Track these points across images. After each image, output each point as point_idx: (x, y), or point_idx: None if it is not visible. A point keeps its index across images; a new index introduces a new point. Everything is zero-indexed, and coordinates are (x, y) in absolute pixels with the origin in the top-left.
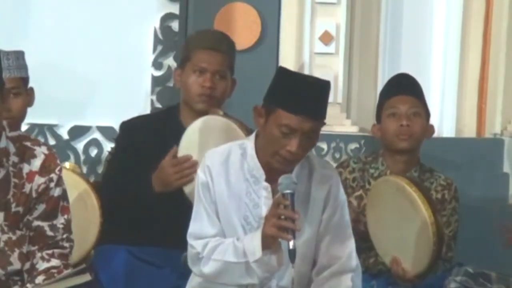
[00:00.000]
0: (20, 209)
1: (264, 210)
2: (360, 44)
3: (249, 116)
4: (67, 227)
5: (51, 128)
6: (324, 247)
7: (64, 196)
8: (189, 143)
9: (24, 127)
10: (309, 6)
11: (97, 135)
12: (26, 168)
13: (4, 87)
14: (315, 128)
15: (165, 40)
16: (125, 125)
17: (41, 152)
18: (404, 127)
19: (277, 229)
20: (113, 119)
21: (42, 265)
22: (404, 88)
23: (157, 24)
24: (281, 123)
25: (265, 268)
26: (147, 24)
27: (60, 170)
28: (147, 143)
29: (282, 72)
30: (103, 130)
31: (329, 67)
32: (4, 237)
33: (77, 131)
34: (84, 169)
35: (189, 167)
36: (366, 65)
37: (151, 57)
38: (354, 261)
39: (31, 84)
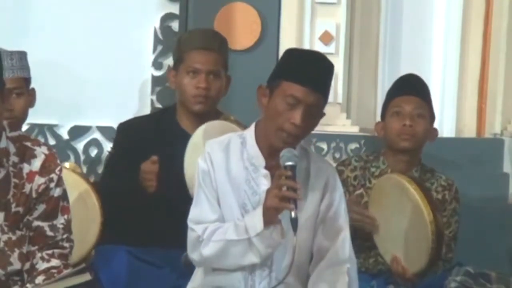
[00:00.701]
0: (20, 209)
1: (262, 198)
2: (360, 44)
3: (249, 116)
4: (67, 227)
5: (51, 128)
6: (320, 237)
7: (64, 196)
8: (194, 147)
9: (24, 127)
10: (309, 6)
11: (97, 135)
12: (26, 168)
13: (4, 87)
14: (318, 103)
15: (165, 40)
16: (122, 126)
17: (41, 152)
18: (407, 127)
19: (279, 199)
20: (113, 119)
21: (42, 265)
22: (411, 88)
23: (157, 24)
24: (287, 93)
25: (267, 242)
26: (147, 24)
27: (60, 170)
28: (144, 144)
29: (290, 50)
30: (103, 130)
31: None
32: (4, 237)
33: (77, 131)
34: (84, 169)
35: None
36: (366, 65)
37: (151, 57)
38: (347, 251)
39: (31, 84)
